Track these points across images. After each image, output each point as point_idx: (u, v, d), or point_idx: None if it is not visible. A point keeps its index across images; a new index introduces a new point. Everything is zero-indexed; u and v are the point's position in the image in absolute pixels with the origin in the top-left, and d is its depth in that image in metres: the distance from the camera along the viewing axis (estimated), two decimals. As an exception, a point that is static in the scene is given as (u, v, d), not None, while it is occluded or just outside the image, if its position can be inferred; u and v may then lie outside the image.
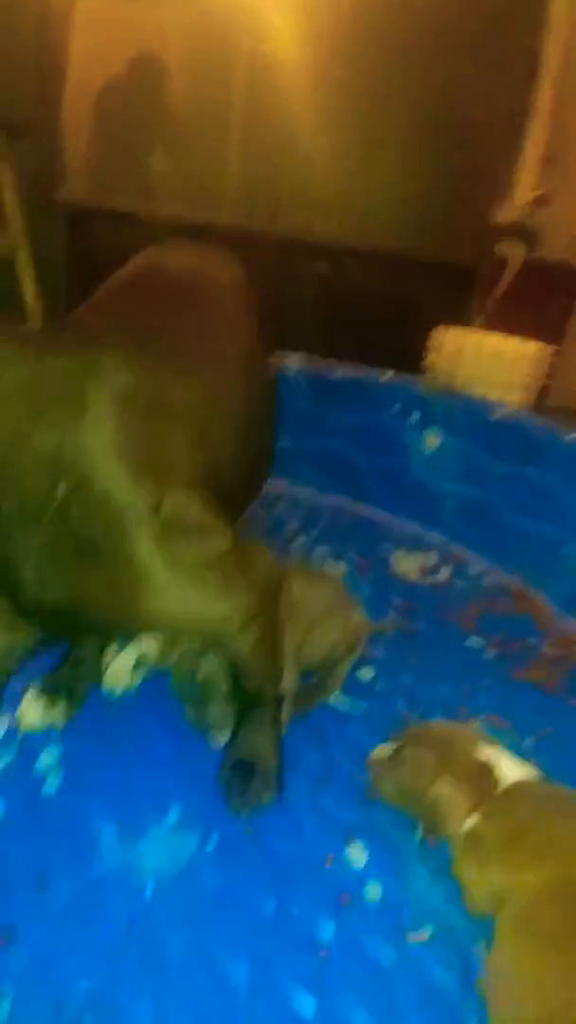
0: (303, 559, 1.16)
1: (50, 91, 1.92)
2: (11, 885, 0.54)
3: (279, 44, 1.90)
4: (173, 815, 0.62)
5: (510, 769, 0.58)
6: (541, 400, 1.95)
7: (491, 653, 0.96)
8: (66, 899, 0.54)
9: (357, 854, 0.60)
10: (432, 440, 1.40)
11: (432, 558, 1.26)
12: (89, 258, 2.00)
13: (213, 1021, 0.47)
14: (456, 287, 2.20)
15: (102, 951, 0.50)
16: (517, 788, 0.57)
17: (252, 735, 0.67)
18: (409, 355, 1.95)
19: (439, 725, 0.68)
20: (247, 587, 0.59)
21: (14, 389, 0.49)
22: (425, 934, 0.54)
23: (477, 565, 1.24)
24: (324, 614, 0.80)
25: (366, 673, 0.87)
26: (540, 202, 2.10)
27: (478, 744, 0.61)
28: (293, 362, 1.54)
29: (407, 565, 1.22)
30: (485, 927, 0.52)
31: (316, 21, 1.91)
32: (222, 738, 0.70)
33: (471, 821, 0.55)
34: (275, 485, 1.46)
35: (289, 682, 0.71)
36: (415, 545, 1.30)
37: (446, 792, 0.56)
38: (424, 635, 0.99)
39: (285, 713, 0.69)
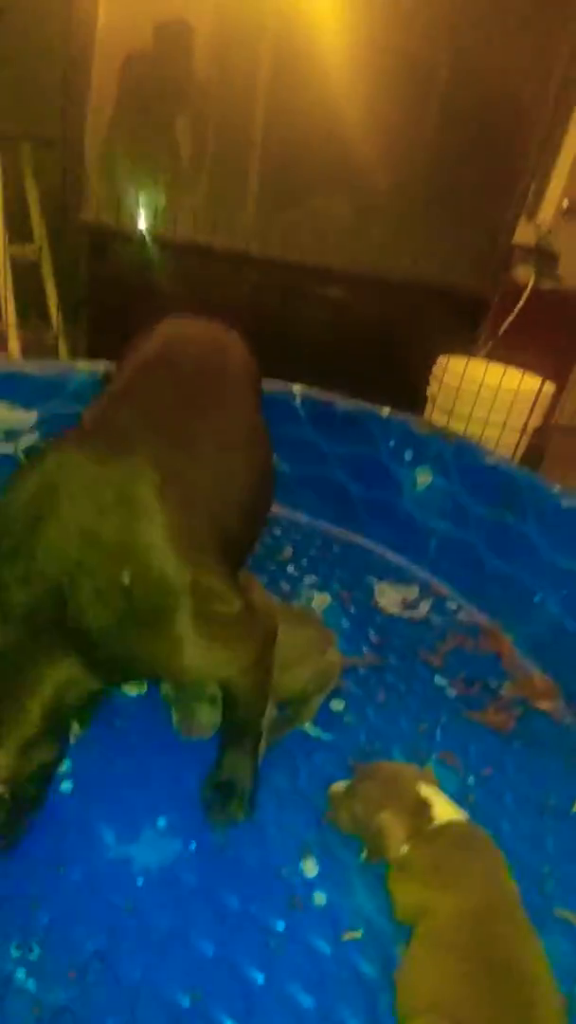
0: (291, 593, 1.29)
1: (74, 108, 2.00)
2: (36, 864, 0.68)
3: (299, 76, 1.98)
4: (162, 822, 0.76)
5: (442, 809, 0.71)
6: (541, 438, 2.02)
7: (453, 692, 1.07)
8: (77, 879, 0.68)
9: (310, 866, 0.74)
10: (423, 478, 1.51)
11: (413, 592, 1.38)
12: (109, 274, 2.10)
13: (185, 981, 0.61)
14: (466, 314, 2.27)
15: (104, 923, 0.64)
16: (445, 827, 0.69)
17: (234, 761, 0.80)
18: (413, 382, 2.04)
19: (389, 765, 0.80)
20: (253, 641, 0.73)
21: (81, 492, 0.61)
22: (357, 934, 0.68)
23: (454, 601, 1.36)
24: (303, 653, 0.91)
25: (337, 705, 0.99)
26: (570, 213, 2.13)
27: (419, 784, 0.73)
28: (296, 391, 1.65)
29: (389, 598, 1.34)
30: (405, 932, 0.66)
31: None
32: (201, 736, 0.85)
33: (404, 848, 0.68)
34: (273, 508, 1.59)
35: (267, 715, 0.84)
36: (399, 578, 1.42)
37: (387, 822, 0.69)
38: (394, 670, 1.11)
39: (262, 744, 0.82)
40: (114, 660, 0.63)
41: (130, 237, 2.06)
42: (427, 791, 0.73)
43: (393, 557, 1.49)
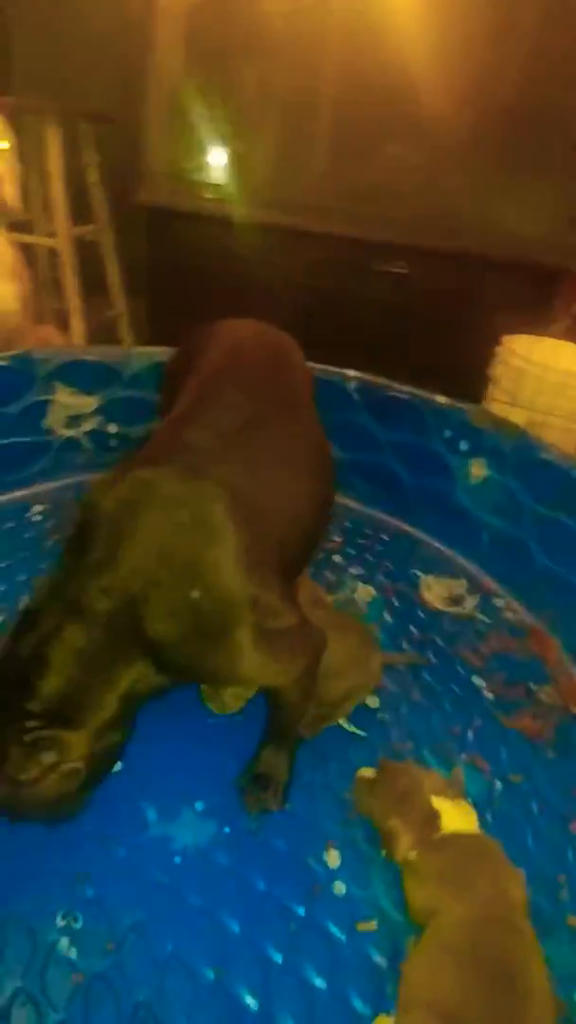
0: (336, 583, 1.31)
1: (133, 84, 1.98)
2: (83, 840, 0.77)
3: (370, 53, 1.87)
4: (200, 805, 0.83)
5: (452, 820, 0.74)
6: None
7: (490, 694, 1.09)
8: (121, 856, 0.76)
9: (333, 858, 0.79)
10: (478, 470, 1.48)
11: (460, 587, 1.37)
12: (169, 253, 2.12)
13: (211, 956, 0.68)
14: (539, 289, 2.14)
15: (143, 897, 0.72)
16: (453, 838, 0.72)
17: (271, 756, 0.86)
18: (478, 364, 1.97)
19: (413, 771, 0.83)
20: (303, 655, 0.78)
21: (158, 513, 0.68)
22: (372, 924, 0.72)
23: (502, 599, 1.35)
24: (346, 663, 0.94)
25: (372, 701, 1.03)
26: None
27: (434, 794, 0.76)
28: (351, 376, 1.64)
29: (434, 592, 1.34)
30: (416, 927, 0.70)
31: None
32: (229, 712, 0.92)
33: (411, 854, 0.72)
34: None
35: (307, 715, 0.89)
36: (446, 571, 1.41)
37: (395, 827, 0.73)
38: (432, 668, 1.13)
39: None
40: (179, 666, 0.70)
41: (190, 215, 2.06)
42: (439, 802, 0.76)
43: (442, 549, 1.49)
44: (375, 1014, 0.64)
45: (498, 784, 0.92)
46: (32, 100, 1.87)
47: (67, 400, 1.58)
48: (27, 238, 1.93)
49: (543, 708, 1.07)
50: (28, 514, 1.43)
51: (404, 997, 0.62)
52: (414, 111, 1.97)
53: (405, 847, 0.72)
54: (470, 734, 1.00)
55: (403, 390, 1.59)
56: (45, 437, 1.56)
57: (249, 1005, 0.65)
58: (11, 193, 1.35)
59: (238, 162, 2.07)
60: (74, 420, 1.59)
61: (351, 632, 1.00)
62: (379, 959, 0.69)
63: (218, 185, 2.09)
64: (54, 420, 1.57)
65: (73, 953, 0.66)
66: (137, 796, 0.83)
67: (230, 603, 0.68)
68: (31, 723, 0.62)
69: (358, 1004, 0.65)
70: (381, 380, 1.62)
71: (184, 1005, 0.64)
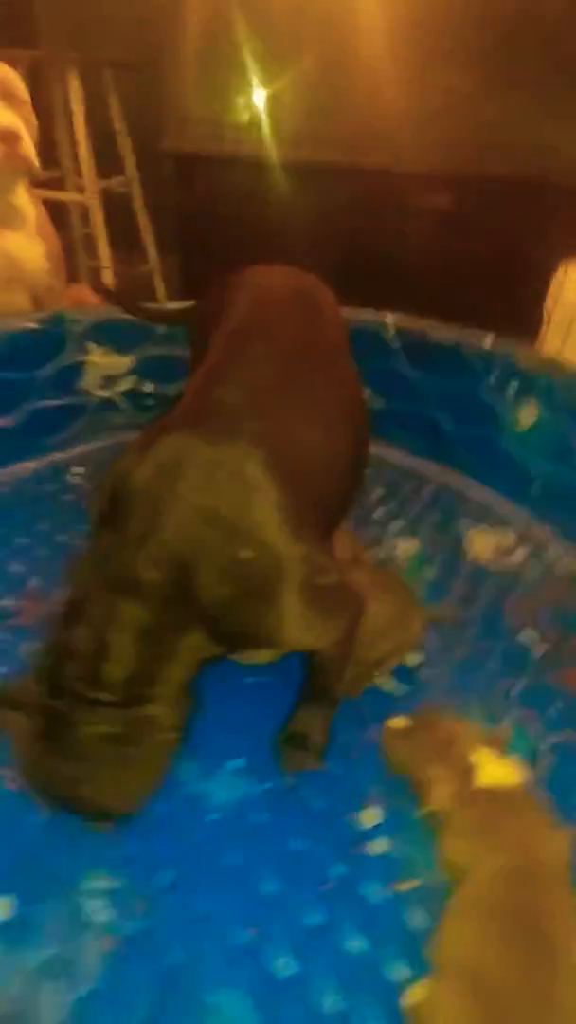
0: (377, 539, 1.26)
1: (156, 30, 1.87)
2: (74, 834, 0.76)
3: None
4: (238, 763, 0.82)
5: (491, 773, 0.70)
6: None
7: (539, 650, 1.03)
8: (154, 814, 0.75)
9: (371, 817, 0.77)
10: (528, 414, 1.37)
11: (509, 538, 1.29)
12: (200, 201, 2.03)
13: (246, 916, 0.68)
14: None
15: (177, 856, 0.72)
16: (490, 791, 0.69)
17: (309, 716, 0.84)
18: (532, 301, 1.81)
19: (450, 720, 0.79)
20: (347, 614, 0.77)
21: (196, 475, 0.65)
22: (409, 884, 0.70)
23: (555, 549, 1.27)
24: (387, 625, 0.90)
25: (414, 659, 0.99)
26: None
27: (474, 746, 0.73)
28: (389, 321, 1.54)
29: (482, 544, 1.28)
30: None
31: None
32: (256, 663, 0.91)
33: (448, 806, 0.69)
34: (367, 445, 1.55)
35: (346, 676, 0.86)
36: (496, 521, 1.34)
37: (432, 777, 0.70)
38: (478, 624, 1.07)
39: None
40: (231, 632, 0.69)
41: (220, 160, 1.96)
42: (480, 754, 0.72)
43: (491, 499, 1.41)
44: (414, 978, 0.62)
45: (546, 741, 0.87)
46: (53, 52, 1.80)
47: (101, 360, 1.56)
48: (55, 194, 1.89)
49: (598, 664, 1.01)
50: (68, 476, 1.44)
51: (437, 961, 0.59)
52: (460, 34, 1.77)
53: (441, 798, 0.69)
54: (517, 691, 0.95)
55: (445, 333, 1.48)
56: (81, 399, 1.56)
57: (284, 968, 0.64)
58: (30, 148, 1.31)
59: (271, 100, 1.93)
60: (109, 381, 1.58)
61: (392, 590, 0.96)
62: (418, 920, 0.67)
63: (249, 126, 1.97)
64: (89, 381, 1.56)
65: (104, 916, 0.67)
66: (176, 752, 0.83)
67: (279, 560, 0.66)
68: (113, 712, 0.62)
69: (396, 967, 0.64)
70: (421, 323, 1.52)
71: (218, 968, 0.64)
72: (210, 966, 0.64)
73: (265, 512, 0.66)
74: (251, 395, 0.77)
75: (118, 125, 1.94)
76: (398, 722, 0.80)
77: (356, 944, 0.66)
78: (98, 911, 0.68)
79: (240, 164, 1.94)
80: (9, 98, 1.28)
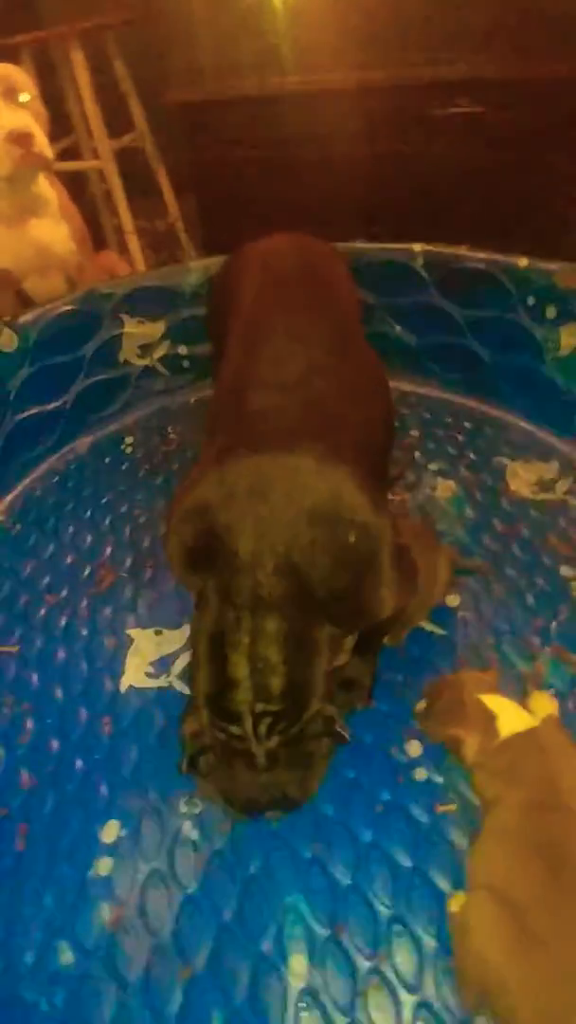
0: (415, 483, 1.28)
1: None
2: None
3: None
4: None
5: (509, 720, 0.76)
6: None
7: (578, 584, 1.06)
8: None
9: (414, 748, 0.86)
10: (569, 338, 1.32)
11: (552, 470, 1.29)
12: (212, 148, 1.94)
13: (310, 836, 0.79)
14: None
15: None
16: (514, 738, 0.75)
17: (358, 663, 0.91)
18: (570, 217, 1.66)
19: (455, 679, 0.85)
20: (413, 572, 0.84)
21: (282, 484, 0.70)
22: (451, 807, 0.80)
23: (599, 479, 1.26)
24: (422, 572, 0.96)
25: (452, 600, 1.05)
26: None
27: (481, 691, 0.80)
28: (417, 251, 1.49)
29: (521, 479, 1.28)
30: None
31: None
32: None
33: (479, 759, 0.75)
34: (400, 383, 1.54)
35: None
36: (537, 454, 1.33)
37: (457, 735, 0.76)
38: (517, 562, 1.11)
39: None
40: (346, 613, 0.74)
41: (228, 102, 1.86)
42: (491, 700, 0.78)
43: (531, 430, 1.39)
44: (454, 889, 0.72)
45: (583, 675, 0.93)
46: (55, 31, 1.75)
47: (135, 330, 1.61)
48: (72, 165, 1.89)
49: None
50: (121, 447, 1.53)
51: (470, 879, 0.69)
52: None
53: (473, 750, 0.76)
54: (555, 626, 0.99)
55: (477, 257, 1.42)
56: (123, 370, 1.62)
57: (342, 879, 0.76)
58: (44, 144, 1.32)
59: (273, 30, 1.79)
60: (145, 349, 1.63)
61: (421, 540, 1.00)
62: (458, 839, 0.77)
63: (255, 62, 1.85)
64: (127, 352, 1.62)
65: (195, 834, 0.81)
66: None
67: (376, 532, 0.73)
68: (286, 719, 0.66)
69: (439, 881, 0.74)
70: (450, 249, 1.46)
71: (288, 878, 0.76)
72: (282, 875, 0.77)
73: (353, 496, 0.72)
74: (285, 395, 0.80)
75: (125, 85, 1.88)
76: (420, 705, 0.86)
77: (404, 858, 0.76)
78: (190, 831, 0.81)
79: (250, 103, 1.83)
80: (14, 96, 1.29)
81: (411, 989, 0.68)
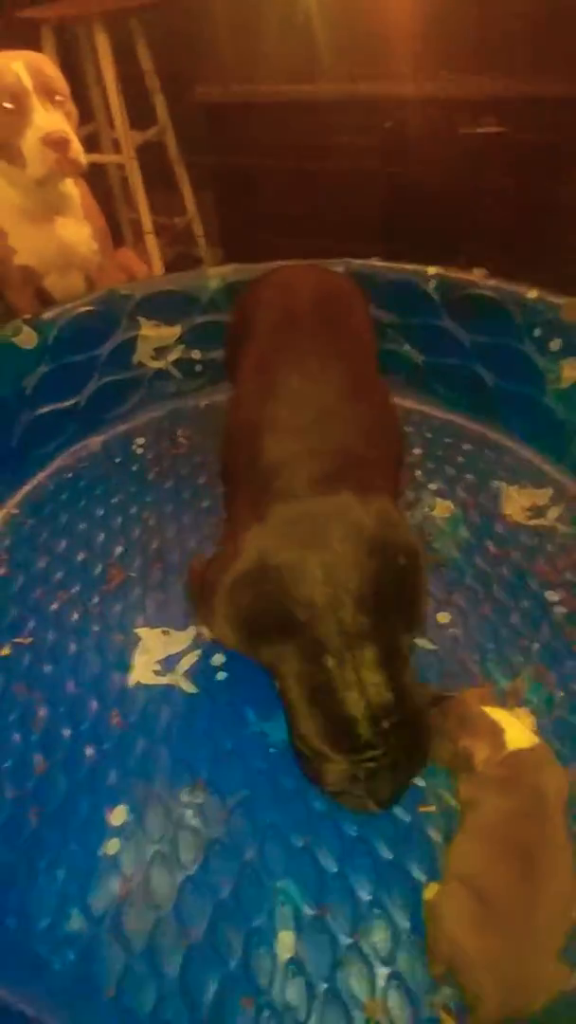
0: (414, 501, 1.35)
1: None
2: (200, 737, 0.97)
3: None
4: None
5: (514, 737, 0.83)
6: None
7: (562, 609, 1.13)
8: (228, 748, 0.96)
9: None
10: (570, 372, 1.39)
11: (544, 497, 1.36)
12: (236, 149, 1.97)
13: (301, 828, 0.87)
14: None
15: (247, 780, 0.92)
16: (516, 752, 0.82)
17: None
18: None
19: (457, 698, 0.91)
20: None
21: (336, 526, 0.74)
22: (431, 808, 0.88)
23: (588, 508, 1.33)
24: None
25: (443, 617, 1.12)
26: None
27: (483, 702, 0.87)
28: (430, 273, 1.54)
29: (516, 503, 1.35)
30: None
31: None
32: None
33: (490, 767, 0.82)
34: (405, 400, 1.61)
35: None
36: (532, 480, 1.40)
37: (468, 746, 0.83)
38: (505, 584, 1.18)
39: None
40: (407, 620, 0.79)
41: (255, 106, 1.89)
42: (495, 712, 0.86)
43: (528, 457, 1.46)
44: (429, 881, 0.81)
45: (560, 693, 1.00)
46: (78, 6, 1.76)
47: (151, 333, 1.66)
48: (93, 158, 1.91)
49: (615, 623, 1.11)
50: (132, 447, 1.59)
51: (446, 870, 0.77)
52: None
53: (483, 759, 0.82)
54: (536, 647, 1.07)
55: (488, 285, 1.48)
56: (137, 372, 1.67)
57: (328, 867, 0.84)
58: (79, 151, 1.34)
59: (303, 32, 1.81)
60: (160, 352, 1.68)
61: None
62: (435, 836, 0.85)
63: (283, 66, 1.87)
64: (142, 354, 1.67)
65: (196, 822, 0.88)
66: (239, 701, 1.01)
67: (418, 552, 0.79)
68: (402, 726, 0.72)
69: (415, 872, 0.82)
70: (463, 275, 1.51)
71: (279, 864, 0.84)
72: (274, 862, 0.85)
73: (397, 523, 0.77)
74: (306, 440, 0.81)
75: (149, 76, 1.90)
76: None
77: (385, 851, 0.85)
78: (191, 819, 0.89)
79: (275, 108, 1.86)
80: (52, 96, 1.31)
81: (386, 963, 0.77)
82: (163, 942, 0.79)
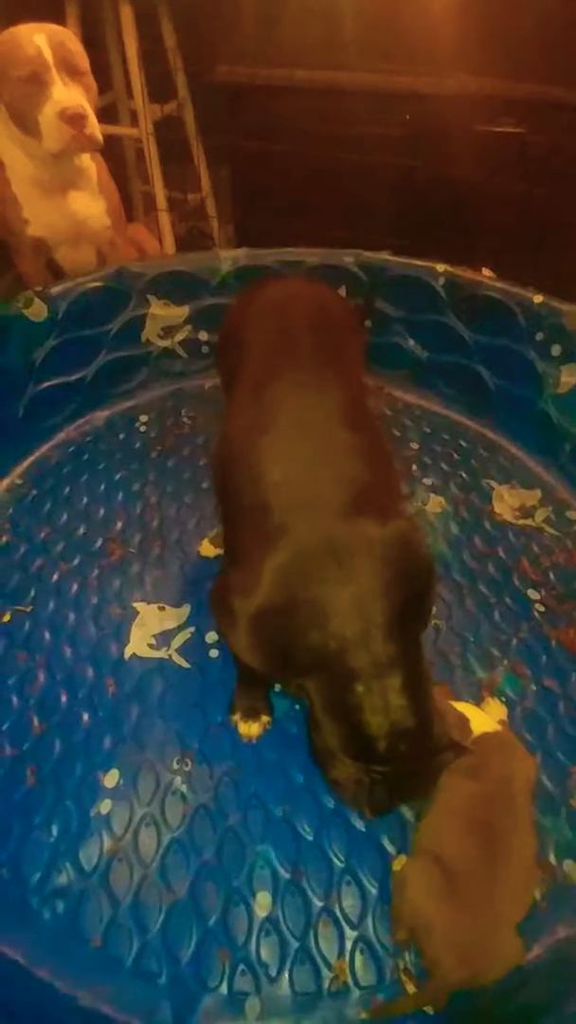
0: (408, 495, 1.39)
1: None
2: (191, 710, 1.02)
3: None
4: (275, 688, 1.05)
5: (478, 722, 0.89)
6: None
7: (541, 607, 1.18)
8: (217, 721, 1.01)
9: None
10: (568, 378, 1.42)
11: (533, 498, 1.41)
12: (250, 129, 1.95)
13: (281, 799, 0.93)
14: None
15: (233, 752, 0.97)
16: (480, 737, 0.88)
17: None
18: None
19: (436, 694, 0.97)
20: None
21: (356, 558, 0.72)
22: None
23: (575, 512, 1.38)
24: None
25: (429, 609, 1.18)
26: None
27: (453, 702, 0.93)
28: (440, 271, 1.56)
29: (506, 503, 1.40)
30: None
31: None
32: None
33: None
34: (406, 395, 1.64)
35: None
36: (522, 481, 1.44)
37: None
38: (489, 581, 1.23)
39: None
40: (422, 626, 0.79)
41: (275, 90, 1.88)
42: (461, 706, 0.91)
43: (521, 457, 1.50)
44: (399, 854, 0.87)
45: (533, 687, 1.06)
46: None
47: (160, 312, 1.67)
48: (109, 129, 1.89)
49: (592, 622, 1.16)
50: (136, 424, 1.62)
51: (415, 845, 0.83)
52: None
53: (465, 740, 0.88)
54: (515, 642, 1.13)
55: (495, 287, 1.51)
56: (144, 349, 1.69)
57: (305, 835, 0.90)
58: (95, 126, 1.33)
59: (326, 18, 1.79)
60: (167, 331, 1.70)
61: None
62: (407, 814, 0.91)
63: (305, 50, 1.85)
64: (150, 332, 1.69)
65: (184, 788, 0.94)
66: (230, 679, 1.05)
67: (433, 569, 0.78)
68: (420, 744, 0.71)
69: (386, 844, 0.88)
70: (471, 275, 1.54)
71: (260, 830, 0.90)
72: (255, 828, 0.90)
73: (418, 542, 0.75)
74: (308, 467, 0.78)
75: (170, 51, 1.87)
76: None
77: (359, 824, 0.91)
78: (180, 784, 0.95)
79: (296, 93, 1.84)
80: (73, 71, 1.30)
81: (354, 926, 0.83)
82: (148, 897, 0.85)
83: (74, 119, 1.30)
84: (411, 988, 0.77)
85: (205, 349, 1.74)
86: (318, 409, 0.82)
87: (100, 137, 1.35)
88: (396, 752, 0.69)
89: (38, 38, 1.27)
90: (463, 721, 0.90)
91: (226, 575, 0.84)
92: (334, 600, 0.70)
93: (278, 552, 0.73)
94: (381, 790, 0.72)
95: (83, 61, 1.34)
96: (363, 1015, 0.76)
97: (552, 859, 0.87)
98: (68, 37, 1.33)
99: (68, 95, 1.30)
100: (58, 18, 1.65)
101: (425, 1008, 0.75)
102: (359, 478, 0.78)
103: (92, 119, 1.32)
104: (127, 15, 1.70)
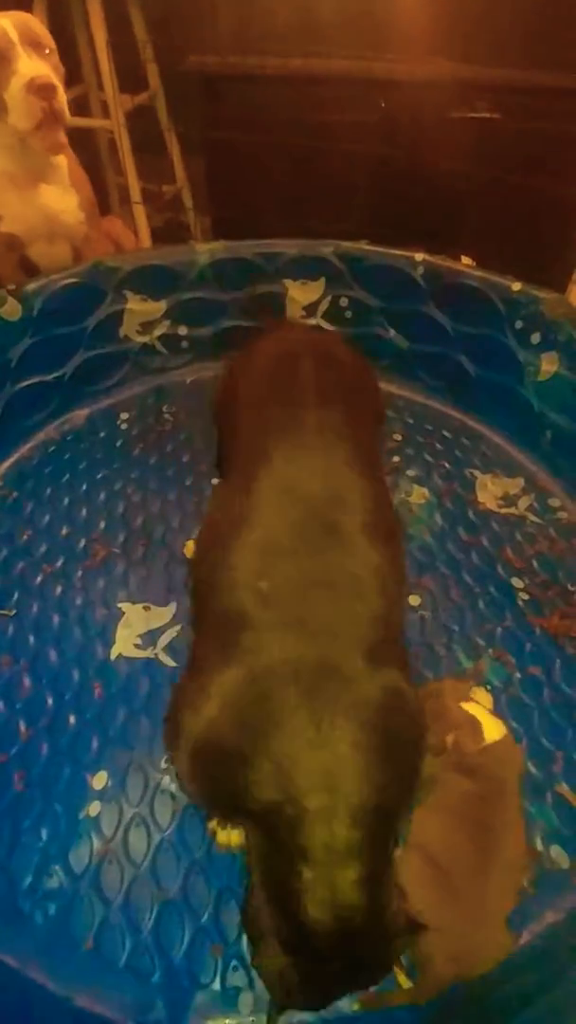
0: (392, 487, 1.38)
1: None
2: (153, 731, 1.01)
3: None
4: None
5: (490, 730, 0.88)
6: None
7: (525, 595, 1.19)
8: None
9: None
10: (548, 365, 1.43)
11: (516, 486, 1.41)
12: (225, 118, 1.93)
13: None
14: None
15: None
16: (491, 746, 0.87)
17: None
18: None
19: (435, 688, 0.96)
20: None
21: (337, 704, 0.64)
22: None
23: (558, 499, 1.38)
24: None
25: (413, 600, 1.18)
26: None
27: (459, 698, 0.93)
28: (419, 260, 1.55)
29: (490, 492, 1.40)
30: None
31: None
32: None
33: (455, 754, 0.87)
34: (389, 385, 1.64)
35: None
36: (505, 469, 1.45)
37: (445, 741, 0.87)
38: (473, 570, 1.24)
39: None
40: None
41: (248, 78, 1.85)
42: (474, 710, 0.91)
43: (503, 446, 1.51)
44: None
45: (517, 675, 1.07)
46: None
47: (138, 307, 1.65)
48: (82, 122, 1.87)
49: (574, 609, 1.17)
50: (117, 422, 1.60)
51: (406, 840, 0.83)
52: None
53: (455, 745, 0.87)
54: (499, 631, 1.13)
55: (474, 275, 1.50)
56: (123, 346, 1.67)
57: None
58: (63, 101, 1.31)
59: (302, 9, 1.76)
60: (146, 326, 1.68)
61: None
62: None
63: (279, 37, 1.82)
64: (128, 328, 1.66)
65: (173, 787, 0.94)
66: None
67: (424, 737, 0.75)
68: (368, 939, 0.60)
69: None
70: (450, 263, 1.53)
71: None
72: (245, 826, 0.91)
73: (410, 702, 0.69)
74: (295, 584, 0.69)
75: (141, 42, 1.84)
76: None
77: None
78: (168, 784, 0.94)
79: (269, 81, 1.82)
80: (37, 47, 1.27)
81: (345, 922, 0.83)
82: (139, 897, 0.85)
83: (43, 88, 1.26)
84: (403, 980, 0.78)
85: (184, 344, 1.72)
86: (318, 503, 0.72)
87: (67, 115, 1.32)
88: (337, 949, 0.58)
89: (3, 21, 1.24)
90: (475, 726, 0.89)
91: (182, 683, 0.75)
92: (304, 762, 0.60)
93: (233, 668, 0.63)
94: (314, 986, 0.61)
95: (49, 42, 1.31)
96: (355, 1006, 0.76)
97: (539, 845, 0.88)
98: (33, 21, 1.30)
99: (35, 66, 1.27)
100: (26, 8, 1.61)
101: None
102: (358, 605, 0.67)
103: (61, 93, 1.29)
104: (95, 6, 1.67)
